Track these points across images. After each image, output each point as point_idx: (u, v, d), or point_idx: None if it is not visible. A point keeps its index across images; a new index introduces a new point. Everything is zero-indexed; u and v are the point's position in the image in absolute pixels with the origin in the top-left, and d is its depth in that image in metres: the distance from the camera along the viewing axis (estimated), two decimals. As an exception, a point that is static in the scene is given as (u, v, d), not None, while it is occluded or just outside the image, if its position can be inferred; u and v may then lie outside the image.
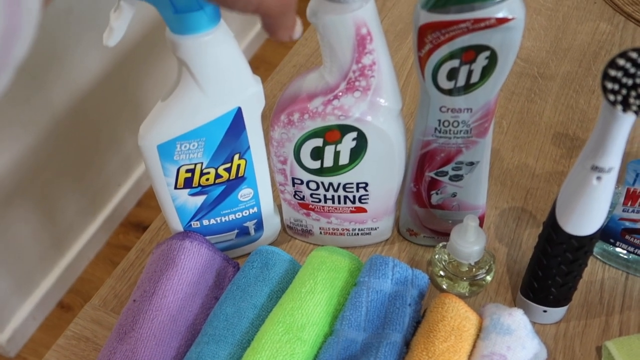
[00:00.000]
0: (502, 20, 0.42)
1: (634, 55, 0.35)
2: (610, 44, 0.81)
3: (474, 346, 0.47)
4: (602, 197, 0.43)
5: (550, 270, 0.49)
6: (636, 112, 0.36)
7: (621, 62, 0.35)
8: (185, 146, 0.49)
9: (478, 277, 0.54)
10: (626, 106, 0.36)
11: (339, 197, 0.54)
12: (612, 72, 0.36)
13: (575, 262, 0.48)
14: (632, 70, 0.35)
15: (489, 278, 0.55)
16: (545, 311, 0.52)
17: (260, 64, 1.97)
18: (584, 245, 0.46)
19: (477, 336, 0.48)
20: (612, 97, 0.36)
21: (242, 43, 1.95)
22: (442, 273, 0.55)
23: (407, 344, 0.48)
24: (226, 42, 0.46)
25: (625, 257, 0.57)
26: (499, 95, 0.74)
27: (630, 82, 0.36)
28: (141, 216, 1.59)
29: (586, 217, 0.45)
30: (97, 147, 1.44)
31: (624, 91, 0.36)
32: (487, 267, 0.54)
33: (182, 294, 0.52)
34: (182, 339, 0.51)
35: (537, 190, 0.64)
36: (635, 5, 0.85)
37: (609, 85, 0.36)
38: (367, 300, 0.49)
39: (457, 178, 0.53)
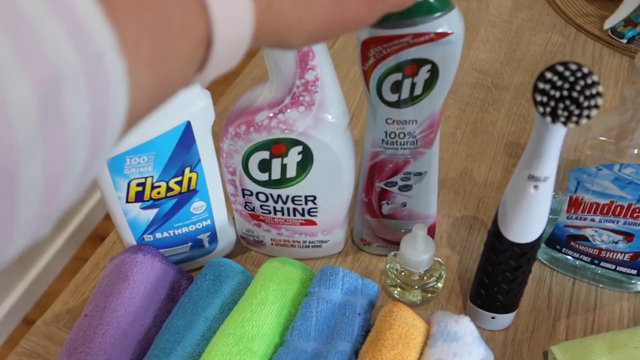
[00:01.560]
0: (441, 35, 0.43)
1: (560, 68, 0.37)
2: (562, 54, 0.83)
3: (421, 353, 0.48)
4: (540, 205, 0.44)
5: (495, 278, 0.50)
6: (564, 123, 0.38)
7: (549, 75, 0.37)
8: (135, 160, 0.49)
9: (429, 285, 0.55)
10: (555, 117, 0.37)
11: (288, 209, 0.55)
12: (541, 85, 0.37)
13: (519, 269, 0.49)
14: (559, 83, 0.37)
15: (439, 285, 0.56)
16: (493, 317, 0.53)
17: (231, 76, 1.97)
18: (526, 252, 0.47)
19: (425, 344, 0.49)
20: (541, 109, 0.38)
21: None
22: (394, 282, 0.56)
23: (356, 353, 0.48)
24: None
25: (572, 263, 0.58)
26: (454, 106, 0.76)
27: (557, 94, 0.37)
28: (108, 229, 1.57)
29: (526, 225, 0.46)
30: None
31: (552, 103, 0.37)
32: (437, 275, 0.55)
33: (134, 308, 0.52)
34: (134, 353, 0.51)
35: (489, 198, 0.66)
36: (585, 17, 0.87)
37: (538, 98, 0.37)
38: (317, 310, 0.50)
39: (406, 188, 0.54)
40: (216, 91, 1.79)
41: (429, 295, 0.56)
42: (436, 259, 0.56)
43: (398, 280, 0.55)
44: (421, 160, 0.52)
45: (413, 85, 0.46)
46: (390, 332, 0.47)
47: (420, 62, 0.45)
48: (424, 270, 0.55)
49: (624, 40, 0.83)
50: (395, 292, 0.56)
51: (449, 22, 0.43)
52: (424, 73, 0.45)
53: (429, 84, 0.46)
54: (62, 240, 1.51)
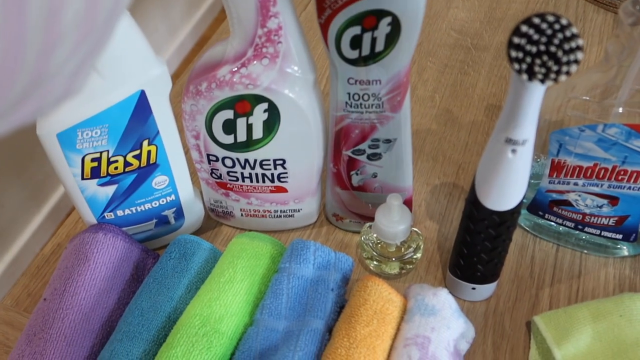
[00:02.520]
0: None
1: (537, 21, 0.33)
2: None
3: (398, 329, 0.46)
4: (519, 171, 0.42)
5: (475, 248, 0.48)
6: (542, 81, 0.35)
7: (524, 28, 0.34)
8: (87, 134, 0.46)
9: (407, 257, 0.53)
10: (531, 75, 0.35)
11: (256, 175, 0.52)
12: (516, 40, 0.34)
13: (499, 237, 0.46)
14: (536, 37, 0.34)
15: (418, 256, 0.53)
16: (473, 288, 0.51)
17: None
18: (505, 220, 0.45)
19: (402, 318, 0.46)
20: (517, 66, 0.35)
21: (188, 23, 1.90)
22: (370, 255, 0.53)
23: (329, 331, 0.46)
24: (122, 22, 0.42)
25: (555, 229, 0.56)
26: (432, 69, 0.73)
27: (534, 49, 0.34)
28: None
29: (505, 192, 0.43)
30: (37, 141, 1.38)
31: (528, 59, 0.34)
32: (415, 246, 0.53)
33: (96, 290, 0.49)
34: (96, 337, 0.48)
35: (469, 164, 0.63)
36: (568, -28, 0.84)
37: (514, 54, 0.34)
38: (288, 287, 0.47)
39: (375, 157, 0.51)
40: (188, 59, 1.74)
41: (407, 267, 0.54)
42: (413, 229, 0.53)
43: (374, 253, 0.53)
44: (389, 126, 0.49)
45: (374, 41, 0.43)
46: (365, 308, 0.45)
47: (379, 14, 0.41)
48: (401, 242, 0.52)
49: (609, -4, 0.80)
50: (372, 265, 0.54)
51: None
52: (384, 27, 0.42)
53: (391, 39, 0.43)
54: (41, 218, 1.48)
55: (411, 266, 0.54)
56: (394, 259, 0.52)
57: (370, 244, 0.53)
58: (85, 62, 0.20)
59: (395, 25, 0.42)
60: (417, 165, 0.63)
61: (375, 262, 0.53)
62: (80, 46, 0.18)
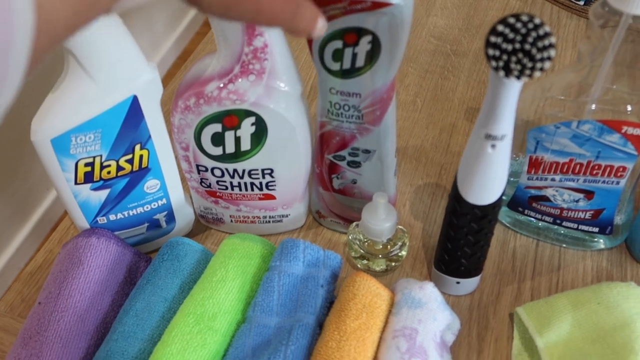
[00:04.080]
0: (379, 4, 0.41)
1: (512, 20, 0.35)
2: (520, 19, 0.82)
3: (386, 322, 0.47)
4: (498, 165, 0.44)
5: (458, 242, 0.49)
6: (518, 77, 0.37)
7: (500, 28, 0.36)
8: (80, 139, 0.47)
9: (393, 254, 0.54)
10: (508, 71, 0.37)
11: (245, 183, 0.53)
12: (493, 39, 0.36)
13: (481, 231, 0.48)
14: (511, 35, 0.36)
15: (403, 253, 0.55)
16: (458, 282, 0.53)
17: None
18: (487, 214, 0.47)
19: (390, 312, 0.48)
20: (494, 64, 0.37)
21: (171, 37, 1.91)
22: (357, 253, 0.55)
23: (320, 326, 0.47)
24: (114, 28, 0.44)
25: (535, 224, 0.58)
26: (413, 74, 0.75)
27: (510, 47, 0.36)
28: (73, 220, 1.54)
29: (486, 186, 0.45)
30: (22, 153, 1.38)
31: (505, 57, 0.36)
32: (401, 243, 0.54)
33: (90, 293, 0.50)
34: (91, 339, 0.49)
35: (451, 165, 0.65)
36: (542, -20, 0.87)
37: (491, 52, 0.36)
38: (279, 285, 0.49)
39: (355, 165, 0.52)
40: (170, 72, 1.75)
41: (394, 264, 0.55)
42: (399, 227, 0.55)
43: (362, 251, 0.54)
44: (368, 138, 0.50)
45: (354, 56, 0.45)
46: (354, 302, 0.47)
47: (359, 32, 0.43)
48: (387, 239, 0.54)
49: (581, 2, 0.83)
50: (360, 263, 0.55)
51: None
52: (365, 44, 0.44)
53: (372, 56, 0.45)
54: (26, 232, 1.47)
55: (397, 263, 0.55)
56: (380, 256, 0.54)
57: (358, 242, 0.55)
58: None
59: (376, 44, 0.44)
60: (401, 167, 0.65)
61: (362, 261, 0.55)
62: None
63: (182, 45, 1.98)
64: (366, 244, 0.54)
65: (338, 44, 0.44)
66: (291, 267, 0.50)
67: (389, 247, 0.54)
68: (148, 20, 1.77)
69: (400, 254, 0.55)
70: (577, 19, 0.82)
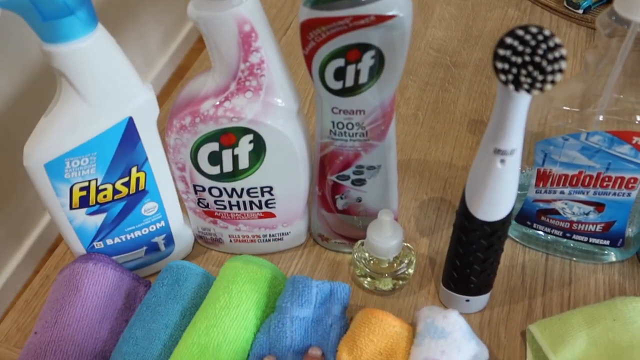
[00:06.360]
0: (382, 18, 0.40)
1: (520, 32, 0.34)
2: (519, 28, 0.81)
3: (408, 353, 0.46)
4: (508, 180, 0.42)
5: (467, 259, 0.48)
6: (528, 91, 0.35)
7: (509, 40, 0.35)
8: (75, 163, 0.46)
9: (400, 272, 0.53)
10: (518, 85, 0.35)
11: (244, 202, 0.52)
12: (501, 52, 0.35)
13: (491, 248, 0.47)
14: (520, 48, 0.34)
15: (410, 271, 0.53)
16: (467, 300, 0.51)
17: (186, 74, 1.92)
18: (496, 230, 0.45)
19: (411, 342, 0.46)
20: (503, 77, 0.35)
21: (165, 53, 1.90)
22: (363, 272, 0.53)
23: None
24: (106, 48, 0.43)
25: (544, 238, 0.56)
26: (413, 87, 0.74)
27: (519, 60, 0.35)
28: (69, 240, 1.51)
29: (495, 202, 0.44)
30: (17, 175, 1.36)
31: (514, 70, 0.35)
32: (407, 261, 0.53)
33: (88, 321, 0.48)
34: (90, 369, 0.47)
35: (455, 178, 0.64)
36: (540, -11, 0.86)
37: (499, 65, 0.35)
38: (292, 330, 0.47)
39: (360, 182, 0.51)
40: (166, 89, 1.74)
41: (400, 282, 0.54)
42: (405, 244, 0.53)
43: (367, 270, 0.53)
44: (373, 154, 0.49)
45: (357, 73, 0.43)
46: (371, 348, 0.45)
47: (362, 47, 0.42)
48: (393, 257, 0.52)
49: (580, 11, 0.82)
50: (365, 282, 0.54)
51: (393, 4, 0.40)
52: (368, 59, 0.43)
53: (375, 71, 0.44)
54: (22, 254, 1.45)
55: (404, 282, 0.54)
56: (387, 275, 0.53)
57: (363, 261, 0.53)
58: None
59: (379, 58, 0.42)
60: (404, 182, 0.63)
61: (368, 279, 0.53)
62: None
63: (177, 62, 1.97)
64: (372, 262, 0.53)
65: (340, 62, 0.43)
66: (303, 311, 0.48)
67: (395, 265, 0.53)
68: (141, 37, 1.76)
69: (407, 272, 0.53)
70: (577, 27, 0.81)
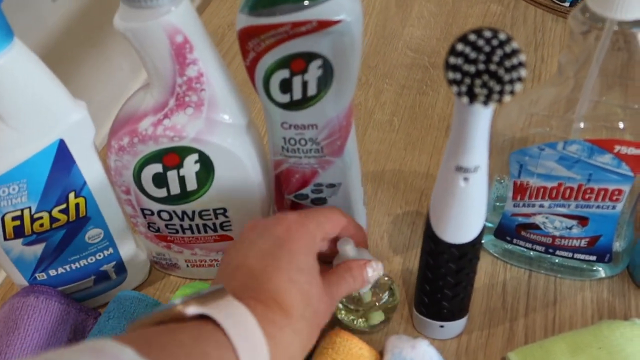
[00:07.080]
0: (326, 24, 0.36)
1: (472, 37, 0.30)
2: (502, 24, 0.77)
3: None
4: (474, 199, 0.38)
5: (437, 283, 0.44)
6: (485, 103, 0.31)
7: (460, 47, 0.30)
8: (3, 191, 0.42)
9: (383, 301, 0.48)
10: (473, 97, 0.31)
11: (197, 226, 0.48)
12: (452, 60, 0.31)
13: (461, 271, 0.43)
14: (473, 55, 0.30)
15: (397, 295, 0.48)
16: (442, 326, 0.47)
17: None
18: (466, 253, 0.41)
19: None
20: (456, 89, 0.31)
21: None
22: (351, 316, 0.48)
23: None
24: (26, 65, 0.39)
25: (526, 254, 0.52)
26: (389, 91, 0.69)
27: (472, 69, 0.30)
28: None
29: (462, 224, 0.40)
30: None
31: (467, 80, 0.31)
32: (387, 287, 0.48)
33: (27, 361, 0.44)
34: (29, 414, 0.43)
35: (432, 190, 0.59)
36: (524, -18, 0.82)
37: (451, 75, 0.31)
38: None
39: (320, 202, 0.47)
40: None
41: (392, 311, 0.48)
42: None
43: (352, 308, 0.47)
44: (331, 171, 0.45)
45: (305, 84, 0.39)
46: None
47: (307, 57, 0.38)
48: (373, 287, 0.47)
49: (567, 4, 0.77)
50: (357, 322, 0.48)
51: (337, 8, 0.36)
52: (314, 69, 0.39)
53: (324, 82, 0.39)
54: None
55: (394, 311, 0.48)
56: (377, 304, 0.47)
57: (343, 301, 0.48)
58: None
59: (327, 68, 0.38)
60: (376, 195, 0.59)
61: (360, 320, 0.48)
62: None
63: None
64: (352, 300, 0.47)
65: (284, 73, 0.39)
66: None
67: (380, 294, 0.48)
68: (128, 44, 1.72)
69: (394, 299, 0.48)
70: (564, 22, 0.77)
